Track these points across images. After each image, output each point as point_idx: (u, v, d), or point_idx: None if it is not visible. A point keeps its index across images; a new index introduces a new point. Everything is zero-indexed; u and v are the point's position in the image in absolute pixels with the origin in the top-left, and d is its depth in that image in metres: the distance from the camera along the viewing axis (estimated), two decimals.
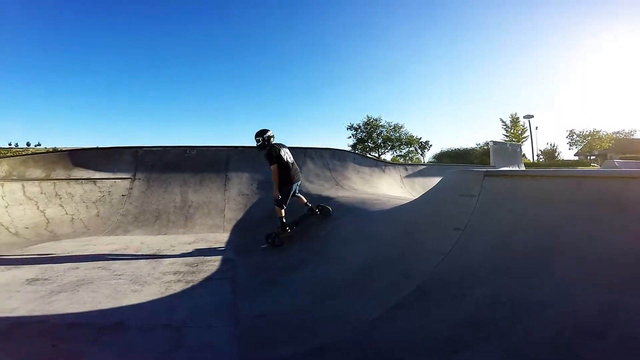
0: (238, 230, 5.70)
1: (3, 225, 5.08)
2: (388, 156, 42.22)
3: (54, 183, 6.12)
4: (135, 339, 2.16)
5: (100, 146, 9.46)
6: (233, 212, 6.37)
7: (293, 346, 2.08)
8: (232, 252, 4.37)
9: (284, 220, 4.47)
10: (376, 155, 38.03)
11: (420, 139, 42.96)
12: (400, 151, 42.91)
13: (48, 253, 4.17)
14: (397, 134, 41.88)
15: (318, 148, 8.53)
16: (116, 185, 6.40)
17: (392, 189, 8.71)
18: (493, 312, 1.76)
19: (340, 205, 5.33)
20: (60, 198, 5.92)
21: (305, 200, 4.80)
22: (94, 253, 4.16)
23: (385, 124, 42.09)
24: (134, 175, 6.65)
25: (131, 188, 6.44)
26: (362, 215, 4.52)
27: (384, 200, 5.09)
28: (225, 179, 6.94)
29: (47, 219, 5.51)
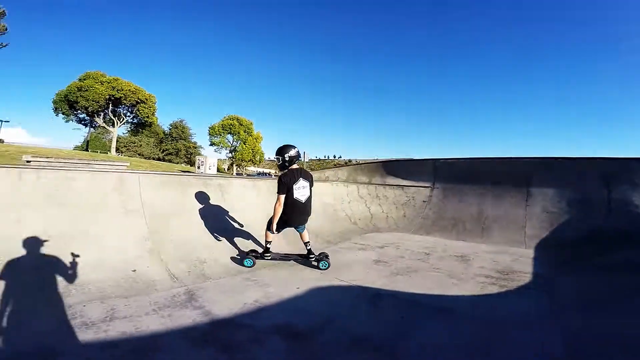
0: (545, 248, 5.05)
1: (347, 216, 7.18)
2: None
3: (375, 187, 7.97)
4: (460, 324, 2.44)
5: (407, 158, 11.26)
6: (536, 230, 5.69)
7: None
8: (545, 268, 3.99)
9: (269, 246, 3.90)
10: None
11: None
12: None
13: (377, 241, 5.46)
14: None
15: None
16: (419, 192, 7.43)
17: None
18: None
19: None
20: (379, 199, 7.63)
21: (307, 239, 3.95)
22: (410, 247, 5.02)
23: None
24: (433, 184, 7.44)
25: (430, 195, 7.25)
26: None
27: None
28: (526, 194, 6.29)
29: (371, 214, 7.25)
